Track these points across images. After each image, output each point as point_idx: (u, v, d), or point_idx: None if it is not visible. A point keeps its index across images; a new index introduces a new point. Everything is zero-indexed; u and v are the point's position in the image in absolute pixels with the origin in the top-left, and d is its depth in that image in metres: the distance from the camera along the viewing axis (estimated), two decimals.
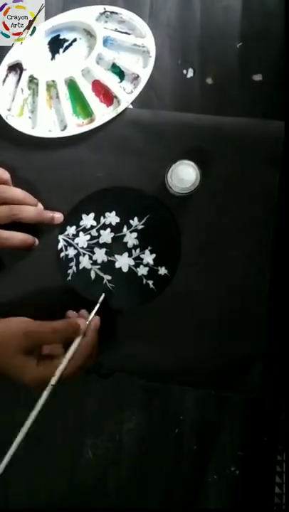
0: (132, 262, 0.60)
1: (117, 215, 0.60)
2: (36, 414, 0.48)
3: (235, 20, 0.62)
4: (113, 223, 0.60)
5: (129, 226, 0.60)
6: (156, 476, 0.63)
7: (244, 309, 0.60)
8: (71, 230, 0.61)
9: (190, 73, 0.62)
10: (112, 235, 0.60)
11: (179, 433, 0.63)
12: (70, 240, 0.61)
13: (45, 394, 0.49)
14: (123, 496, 0.63)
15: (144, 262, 0.60)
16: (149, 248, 0.60)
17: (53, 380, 0.49)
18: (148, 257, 0.60)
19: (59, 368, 0.49)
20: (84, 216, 0.61)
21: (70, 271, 0.60)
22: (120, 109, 0.60)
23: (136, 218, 0.60)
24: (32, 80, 0.62)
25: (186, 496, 0.63)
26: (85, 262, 0.60)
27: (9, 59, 0.61)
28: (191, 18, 0.62)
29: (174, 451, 0.63)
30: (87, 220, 0.61)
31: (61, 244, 0.61)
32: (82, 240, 0.60)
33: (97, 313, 0.56)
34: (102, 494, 0.63)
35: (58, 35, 0.63)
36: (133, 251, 0.60)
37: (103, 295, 0.58)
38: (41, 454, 0.63)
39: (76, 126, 0.61)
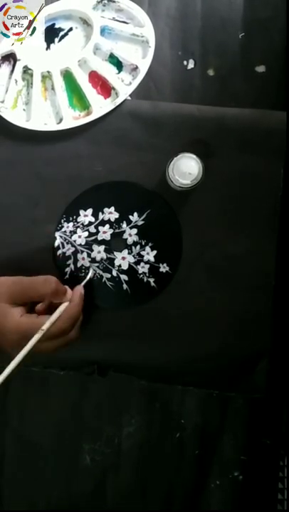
0: (132, 259, 0.58)
1: (116, 210, 0.59)
2: (20, 359, 0.48)
3: (237, 9, 0.60)
4: (112, 219, 0.59)
5: (129, 222, 0.58)
6: (156, 482, 0.62)
7: (248, 307, 0.59)
8: (68, 226, 0.59)
9: (191, 64, 0.61)
10: (111, 231, 0.59)
11: (180, 437, 0.62)
12: (67, 237, 0.59)
13: (35, 338, 0.48)
14: (123, 503, 0.62)
15: (145, 259, 0.58)
16: (150, 245, 0.58)
17: (44, 326, 0.49)
18: (149, 254, 0.58)
19: (51, 318, 0.50)
20: (82, 212, 0.59)
21: (67, 269, 0.59)
22: (118, 101, 0.59)
23: (136, 214, 0.59)
24: (26, 70, 0.60)
25: (188, 503, 0.62)
26: (83, 259, 0.59)
27: (2, 49, 0.60)
28: (191, 7, 0.61)
29: (175, 456, 0.62)
30: (85, 216, 0.59)
31: (58, 242, 0.59)
32: (80, 236, 0.59)
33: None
34: (101, 501, 0.62)
35: (54, 24, 0.61)
36: (133, 248, 0.58)
37: (91, 270, 0.58)
38: (37, 459, 0.63)
39: (72, 118, 0.60)
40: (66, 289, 0.53)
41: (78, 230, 0.59)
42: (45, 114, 0.60)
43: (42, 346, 0.50)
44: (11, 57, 0.60)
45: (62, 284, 0.53)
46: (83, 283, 0.56)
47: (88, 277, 0.58)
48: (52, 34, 0.61)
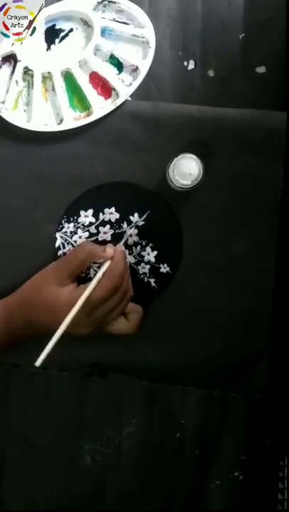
0: (132, 260, 0.58)
1: (116, 211, 0.59)
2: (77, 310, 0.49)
3: (237, 10, 0.60)
4: (112, 220, 0.59)
5: (130, 222, 0.58)
6: (157, 482, 0.62)
7: (248, 307, 0.59)
8: (69, 227, 0.59)
9: (191, 65, 0.61)
10: (112, 231, 0.58)
11: (180, 437, 0.62)
12: (67, 238, 0.59)
13: (82, 298, 0.50)
14: (123, 503, 0.62)
15: (146, 259, 0.58)
16: (151, 245, 0.58)
17: (92, 283, 0.51)
18: (149, 255, 0.58)
19: (96, 276, 0.52)
20: (82, 213, 0.59)
21: None
22: (119, 101, 0.59)
23: (136, 214, 0.58)
24: (27, 71, 0.60)
25: (188, 503, 0.62)
26: None
27: (3, 50, 0.59)
28: (192, 7, 0.61)
29: (176, 456, 0.62)
30: (86, 216, 0.59)
31: (58, 242, 0.59)
32: (81, 237, 0.59)
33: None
34: (101, 501, 0.62)
35: (54, 25, 0.61)
36: (134, 248, 0.58)
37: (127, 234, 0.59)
38: (38, 459, 0.63)
39: (73, 119, 0.59)
40: (104, 248, 0.54)
41: (79, 231, 0.59)
42: (45, 114, 0.60)
43: (121, 327, 0.55)
44: (11, 58, 0.60)
45: (98, 245, 0.54)
46: (122, 242, 0.57)
47: (125, 239, 0.58)
48: (52, 35, 0.61)
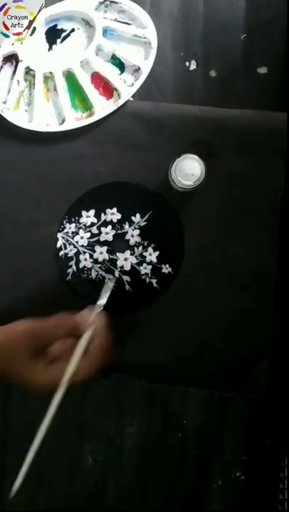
0: (134, 260, 0.58)
1: (118, 211, 0.59)
2: (52, 415, 0.47)
3: (239, 11, 0.61)
4: (114, 220, 0.58)
5: (131, 223, 0.58)
6: (158, 482, 0.62)
7: (249, 307, 0.58)
8: (70, 227, 0.59)
9: (193, 65, 0.61)
10: (114, 232, 0.58)
11: (181, 438, 0.62)
12: (69, 238, 0.59)
13: (59, 393, 0.46)
14: (123, 503, 0.62)
15: (148, 260, 0.58)
16: (152, 246, 0.58)
17: (65, 378, 0.46)
18: (151, 255, 0.58)
19: (71, 364, 0.46)
20: (84, 213, 0.59)
21: (69, 270, 0.58)
22: (121, 102, 0.59)
23: (138, 215, 0.58)
24: (28, 71, 0.60)
25: (189, 503, 0.62)
26: (85, 260, 0.58)
27: (4, 50, 0.59)
28: (194, 8, 0.61)
29: (176, 456, 0.62)
30: (88, 217, 0.59)
31: (60, 243, 0.59)
32: (83, 237, 0.59)
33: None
34: (102, 501, 0.62)
35: (56, 25, 0.61)
36: (135, 249, 0.58)
37: (110, 286, 0.56)
38: (39, 460, 0.62)
39: (75, 119, 0.59)
40: (79, 323, 0.49)
41: (80, 231, 0.59)
42: (47, 115, 0.60)
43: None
44: (13, 58, 0.60)
45: (75, 318, 0.49)
46: (102, 302, 0.53)
47: (108, 293, 0.54)
48: (54, 35, 0.61)
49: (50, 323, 0.48)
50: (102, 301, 0.53)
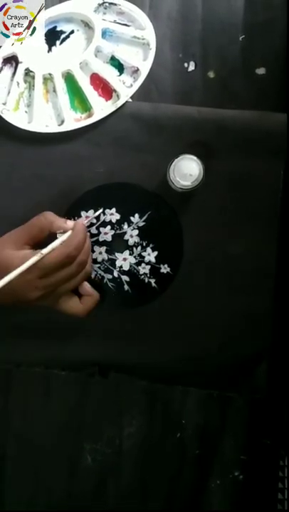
0: (133, 260, 0.58)
1: (117, 212, 0.59)
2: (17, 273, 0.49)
3: (237, 12, 0.60)
4: (113, 220, 0.59)
5: (130, 223, 0.59)
6: (157, 482, 0.62)
7: (248, 307, 0.59)
8: None
9: (191, 66, 0.61)
10: (113, 232, 0.59)
11: (180, 437, 0.62)
12: None
13: (33, 259, 0.49)
14: (123, 503, 0.62)
15: (146, 260, 0.58)
16: (151, 246, 0.58)
17: (44, 250, 0.50)
18: (150, 255, 0.58)
19: (52, 244, 0.51)
20: (83, 213, 0.59)
21: None
22: (120, 103, 0.59)
23: (137, 215, 0.59)
24: (28, 73, 0.60)
25: (189, 502, 0.62)
26: None
27: (4, 51, 0.60)
28: (192, 9, 0.61)
29: (176, 456, 0.62)
30: (87, 217, 0.59)
31: None
32: None
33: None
34: (102, 501, 0.62)
35: (55, 27, 0.61)
36: (134, 249, 0.59)
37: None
38: (38, 459, 0.62)
39: (74, 120, 0.60)
40: (65, 220, 0.54)
41: None
42: (46, 116, 0.60)
43: (73, 307, 0.54)
44: (12, 60, 0.60)
45: (60, 217, 0.54)
46: (86, 221, 0.57)
47: (95, 214, 0.58)
48: (53, 37, 0.61)
49: (35, 217, 0.54)
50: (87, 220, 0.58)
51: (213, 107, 0.59)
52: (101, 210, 0.58)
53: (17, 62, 0.60)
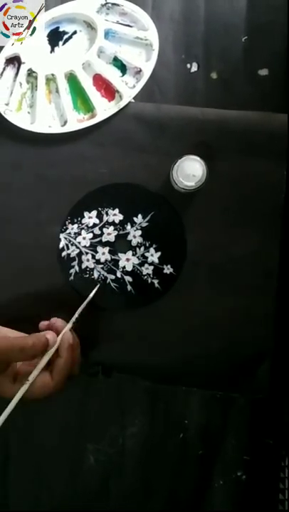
0: (136, 261, 0.58)
1: (120, 212, 0.59)
2: (9, 411, 0.47)
3: (240, 13, 0.61)
4: (116, 221, 0.59)
5: (133, 224, 0.59)
6: (160, 482, 0.62)
7: (251, 308, 0.58)
8: (73, 228, 0.59)
9: (194, 67, 0.61)
10: (116, 232, 0.59)
11: (183, 437, 0.62)
12: (71, 239, 0.59)
13: (21, 390, 0.47)
14: (126, 503, 0.62)
15: (149, 260, 0.58)
16: (154, 246, 0.58)
17: (30, 377, 0.47)
18: (153, 256, 0.58)
19: (31, 375, 0.47)
20: (86, 214, 0.59)
21: (72, 270, 0.59)
22: (122, 104, 0.59)
23: (140, 215, 0.59)
24: (31, 73, 0.60)
25: (192, 502, 0.62)
26: (87, 261, 0.59)
27: (7, 52, 0.60)
28: (195, 10, 0.61)
29: (179, 456, 0.62)
30: (90, 217, 0.59)
31: (62, 243, 0.59)
32: (85, 238, 0.59)
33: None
34: (105, 501, 0.62)
35: (58, 28, 0.61)
36: (137, 249, 0.58)
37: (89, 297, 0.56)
38: (41, 459, 0.62)
39: (77, 121, 0.60)
40: (47, 342, 0.48)
41: (83, 232, 0.59)
42: (49, 116, 0.60)
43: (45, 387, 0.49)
44: (15, 60, 0.60)
45: (42, 340, 0.48)
46: (69, 326, 0.52)
47: (72, 322, 0.53)
48: (56, 37, 0.61)
49: (16, 347, 0.46)
50: (75, 316, 0.53)
51: (215, 108, 0.59)
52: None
53: (20, 63, 0.60)
